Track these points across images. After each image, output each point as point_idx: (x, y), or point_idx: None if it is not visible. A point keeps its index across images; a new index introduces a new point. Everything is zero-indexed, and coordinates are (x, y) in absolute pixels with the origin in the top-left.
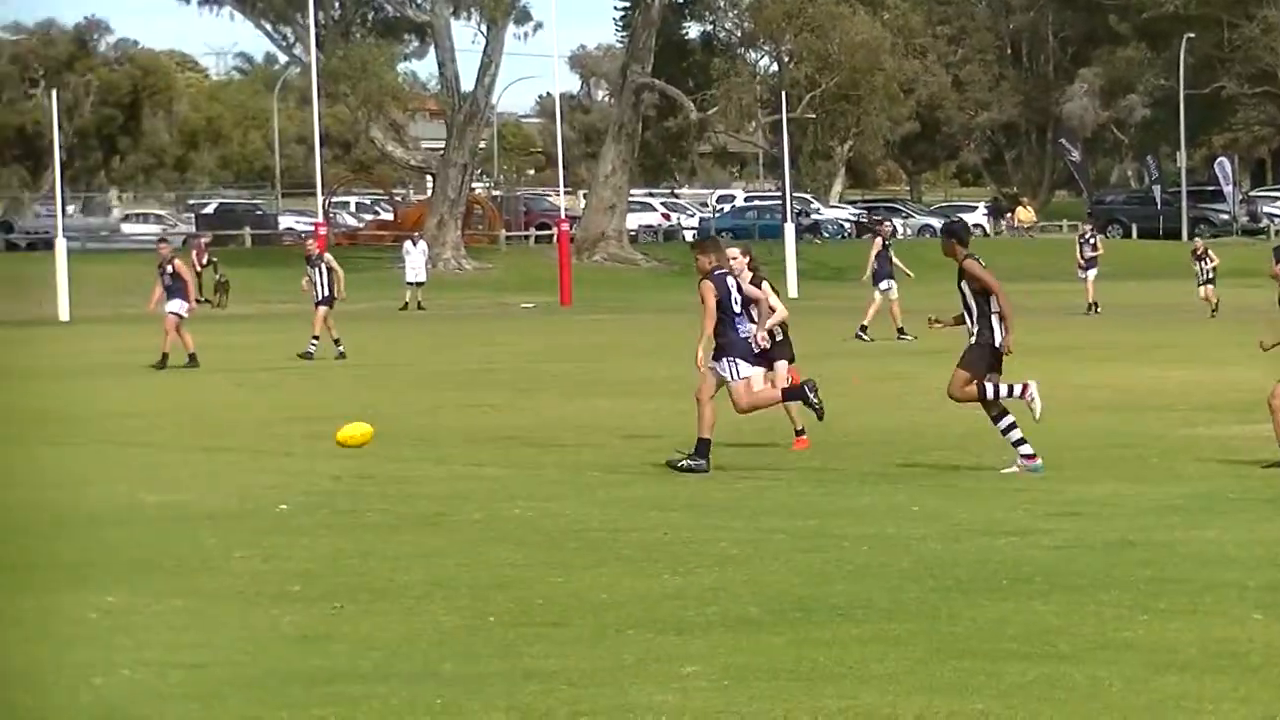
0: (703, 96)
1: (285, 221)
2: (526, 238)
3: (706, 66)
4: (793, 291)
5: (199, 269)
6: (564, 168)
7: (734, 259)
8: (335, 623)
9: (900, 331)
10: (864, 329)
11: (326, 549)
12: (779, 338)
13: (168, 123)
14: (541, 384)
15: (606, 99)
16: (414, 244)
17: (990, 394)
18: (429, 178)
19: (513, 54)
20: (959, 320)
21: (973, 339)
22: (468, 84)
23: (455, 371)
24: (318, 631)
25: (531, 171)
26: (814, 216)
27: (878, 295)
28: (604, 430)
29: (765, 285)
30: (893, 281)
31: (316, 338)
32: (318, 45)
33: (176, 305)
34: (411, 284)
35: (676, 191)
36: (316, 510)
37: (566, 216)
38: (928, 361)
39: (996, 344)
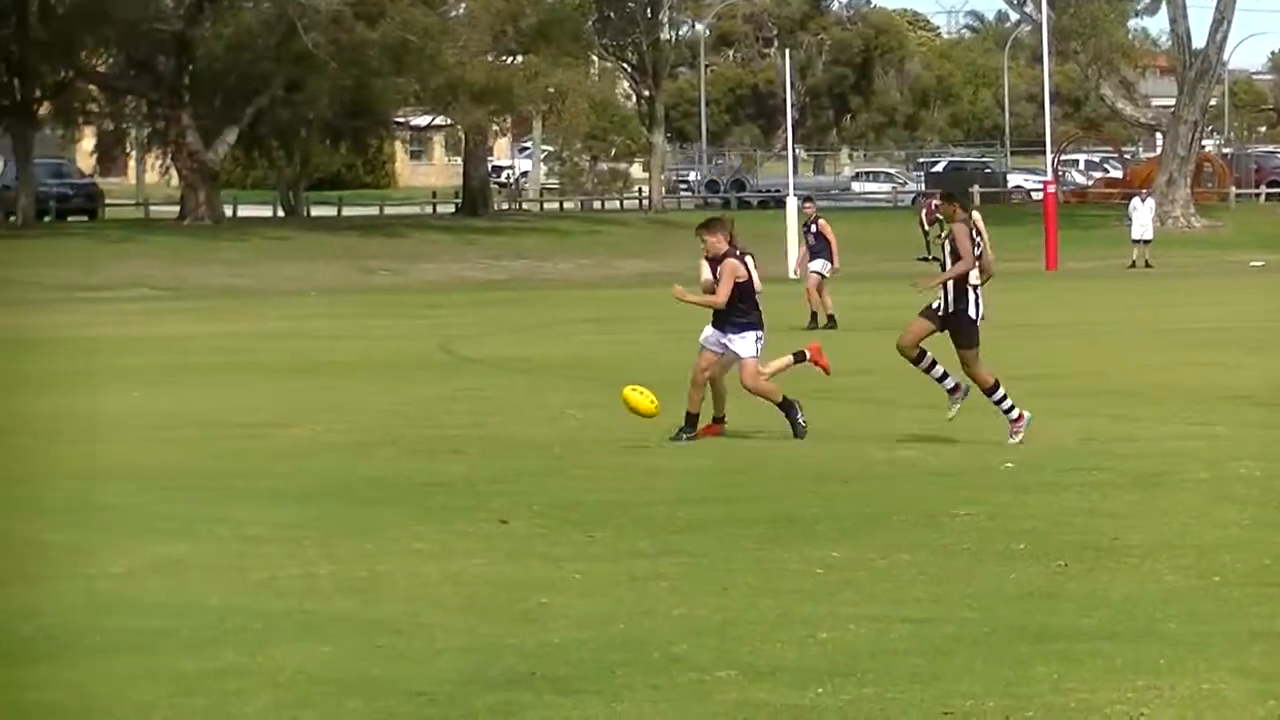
0: None
1: (1014, 179)
2: (1256, 195)
3: None
4: None
5: (925, 227)
6: None
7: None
8: (1060, 580)
9: None
10: None
11: (1051, 506)
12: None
13: (899, 81)
14: (1272, 344)
15: None
16: (1142, 201)
17: (926, 364)
18: (1158, 135)
19: (1246, 10)
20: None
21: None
22: (1199, 40)
23: (1182, 330)
24: (1042, 589)
25: (1262, 129)
26: None
27: None
28: None
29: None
30: None
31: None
32: (1049, 3)
33: (819, 265)
34: (1138, 241)
35: None
36: (1042, 468)
37: None
38: None
39: (970, 313)
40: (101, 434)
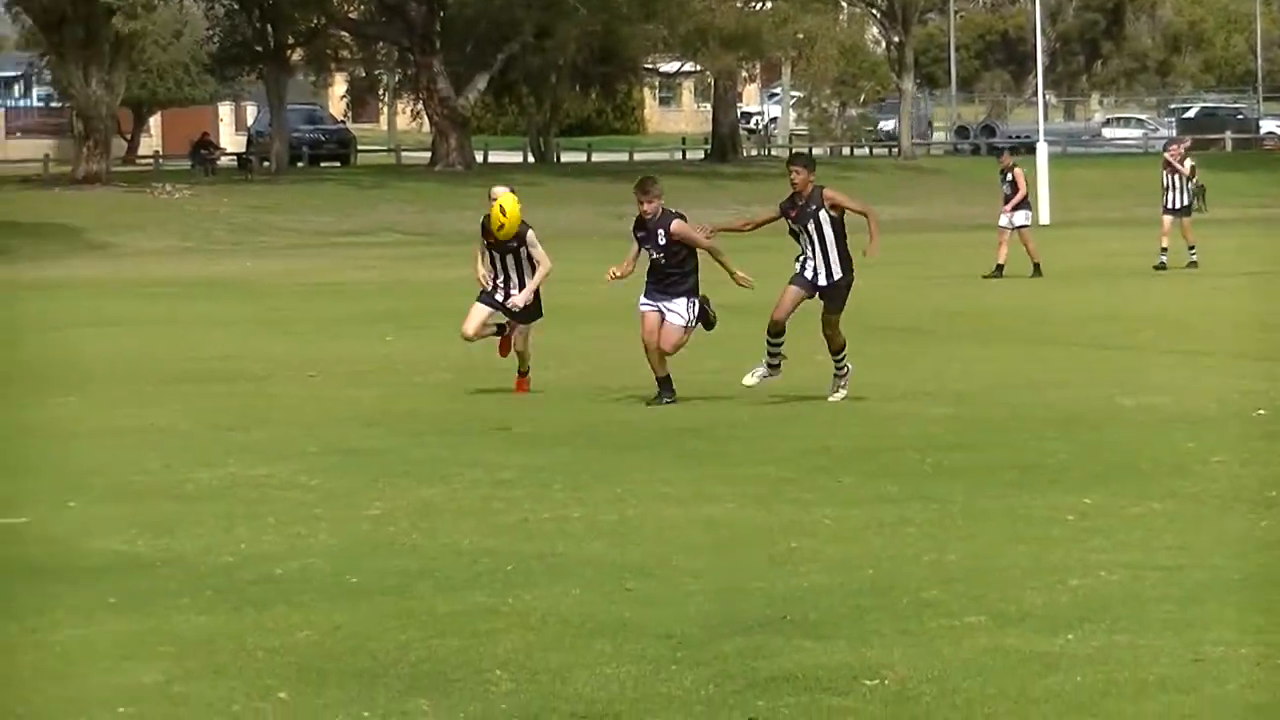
0: None
1: (1266, 125)
2: None
3: None
4: None
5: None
6: None
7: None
8: None
9: None
10: None
11: None
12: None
13: (1150, 27)
14: None
15: None
16: None
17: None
18: None
19: None
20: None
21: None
22: None
23: None
24: None
25: None
26: None
27: None
28: None
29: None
30: None
31: (1165, 249)
32: None
33: (1021, 216)
34: None
35: None
36: None
37: None
38: None
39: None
40: (355, 379)
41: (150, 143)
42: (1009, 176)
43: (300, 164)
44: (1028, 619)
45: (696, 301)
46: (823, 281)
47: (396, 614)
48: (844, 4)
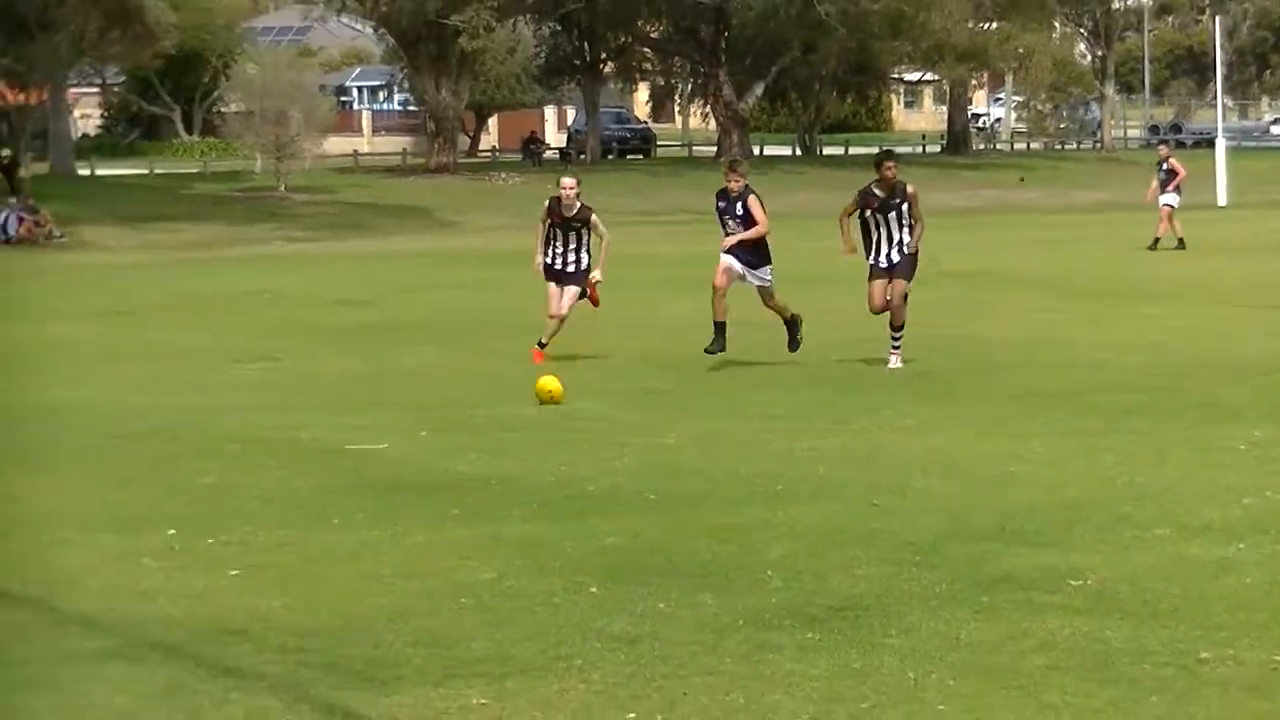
0: None
1: None
2: None
3: None
4: None
5: None
6: None
7: (570, 188)
8: None
9: None
10: None
11: None
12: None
13: None
14: None
15: None
16: None
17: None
18: None
19: None
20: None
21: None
22: None
23: None
24: None
25: None
26: None
27: None
28: None
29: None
30: None
31: None
32: None
33: (1170, 198)
34: None
35: None
36: None
37: None
38: None
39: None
40: (650, 332)
41: (489, 139)
42: (1165, 165)
43: (610, 156)
44: (1206, 531)
45: (771, 266)
46: (895, 258)
47: (686, 524)
48: (1056, 24)
